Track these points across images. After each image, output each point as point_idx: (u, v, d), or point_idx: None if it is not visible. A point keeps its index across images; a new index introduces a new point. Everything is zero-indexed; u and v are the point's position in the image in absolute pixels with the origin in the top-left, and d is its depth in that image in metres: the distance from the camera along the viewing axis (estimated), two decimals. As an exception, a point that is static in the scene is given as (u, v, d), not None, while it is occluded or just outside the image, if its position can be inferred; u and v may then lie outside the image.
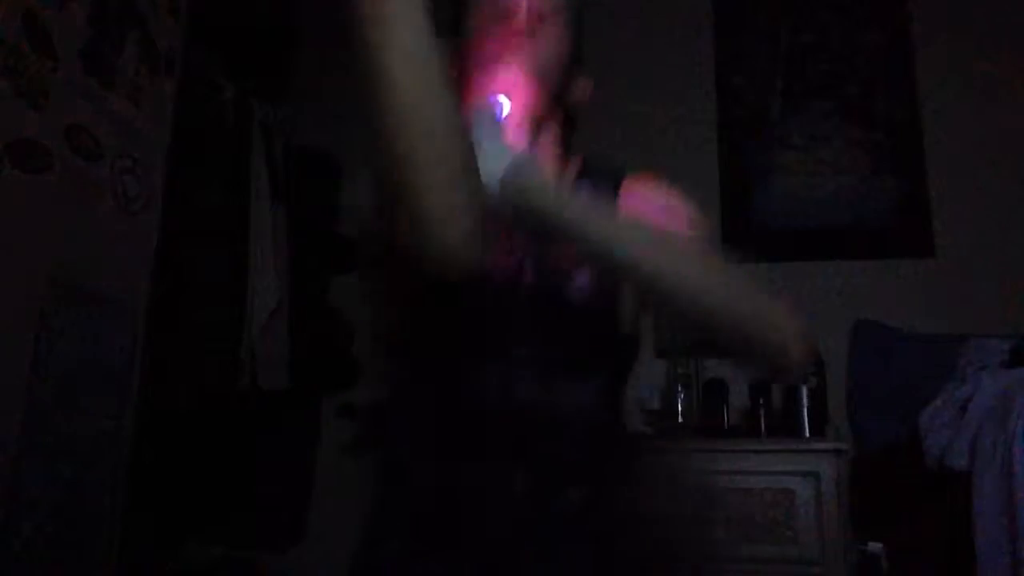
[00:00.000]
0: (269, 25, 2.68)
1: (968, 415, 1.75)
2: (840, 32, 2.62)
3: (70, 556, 1.49)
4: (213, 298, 2.16)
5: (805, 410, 2.03)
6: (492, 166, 0.74)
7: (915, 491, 1.88)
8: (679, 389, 2.23)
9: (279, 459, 2.52)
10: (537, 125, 0.90)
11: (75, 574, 1.51)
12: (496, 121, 0.79)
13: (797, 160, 2.56)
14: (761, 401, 2.10)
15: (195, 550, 2.33)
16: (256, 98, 2.35)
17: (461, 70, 0.91)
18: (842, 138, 2.54)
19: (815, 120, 2.57)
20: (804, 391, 2.05)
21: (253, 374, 2.21)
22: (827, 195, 2.51)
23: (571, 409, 0.83)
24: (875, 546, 1.89)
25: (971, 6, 2.54)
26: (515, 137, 0.80)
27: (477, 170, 0.73)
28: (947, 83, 2.50)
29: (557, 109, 0.97)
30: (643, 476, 0.90)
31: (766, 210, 2.54)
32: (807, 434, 2.01)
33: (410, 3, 0.69)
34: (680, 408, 2.22)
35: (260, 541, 2.45)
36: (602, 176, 1.03)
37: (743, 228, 2.54)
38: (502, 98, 0.81)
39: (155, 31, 1.75)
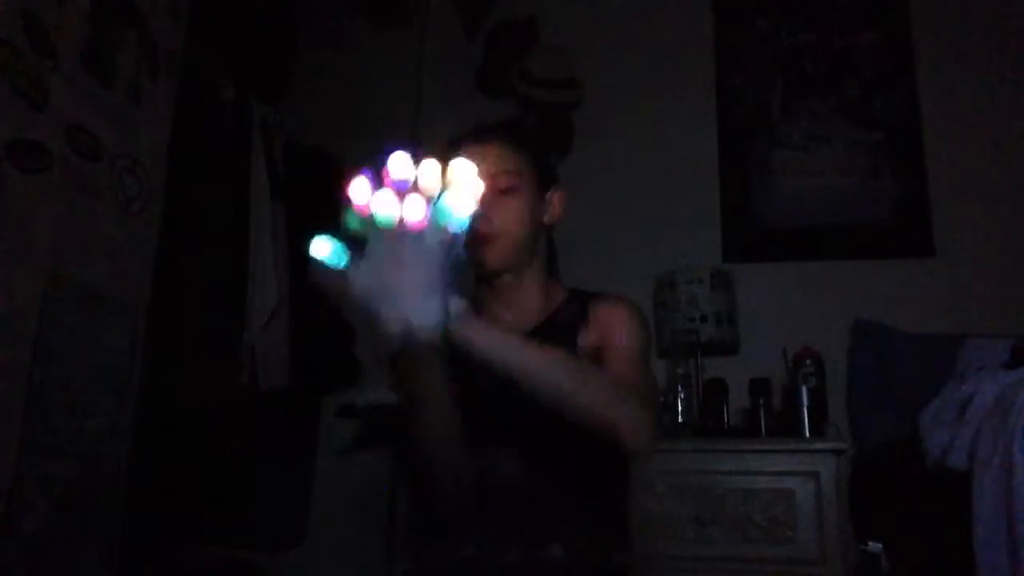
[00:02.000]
0: (269, 25, 2.68)
1: (968, 415, 1.75)
2: (840, 32, 2.62)
3: (70, 556, 1.49)
4: (213, 298, 2.15)
5: (805, 410, 2.03)
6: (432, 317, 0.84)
7: (915, 491, 1.88)
8: (679, 389, 2.23)
9: (279, 459, 2.52)
10: (519, 263, 1.20)
11: (75, 574, 1.51)
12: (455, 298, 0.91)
13: (797, 160, 2.56)
14: (761, 401, 2.10)
15: (195, 550, 2.33)
16: (256, 98, 2.35)
17: None
18: (842, 138, 2.54)
19: (815, 120, 2.57)
20: (804, 391, 2.05)
21: (253, 374, 2.21)
22: (827, 195, 2.52)
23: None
24: (875, 546, 1.89)
25: (971, 6, 2.54)
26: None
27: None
28: (947, 83, 2.50)
29: (536, 240, 1.22)
30: None
31: (766, 210, 2.54)
32: (807, 434, 2.01)
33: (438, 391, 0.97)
34: (680, 408, 2.22)
35: (260, 541, 2.45)
36: (579, 301, 1.23)
37: (743, 228, 2.54)
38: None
39: (155, 31, 1.75)
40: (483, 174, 1.08)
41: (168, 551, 2.17)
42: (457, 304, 0.87)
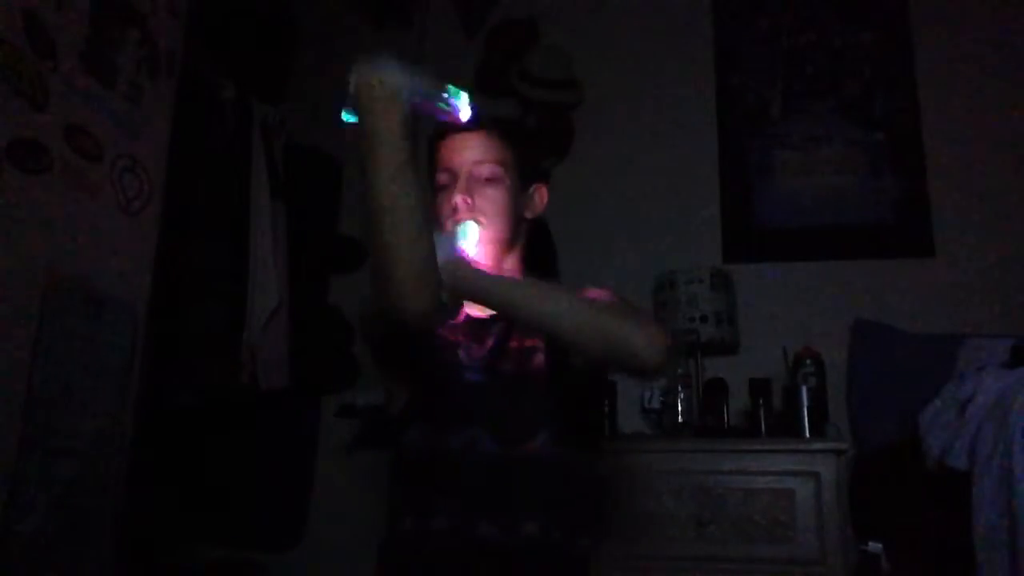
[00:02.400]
0: (269, 25, 2.68)
1: (968, 415, 1.75)
2: (840, 32, 2.62)
3: (70, 556, 1.49)
4: (213, 298, 2.16)
5: (805, 410, 2.03)
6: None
7: (915, 491, 1.88)
8: (679, 389, 2.23)
9: (279, 459, 2.52)
10: (502, 253, 1.22)
11: (75, 574, 1.51)
12: (452, 240, 1.09)
13: (797, 160, 2.56)
14: (761, 401, 2.10)
15: (195, 550, 2.33)
16: (256, 98, 2.35)
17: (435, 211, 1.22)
18: (842, 138, 2.54)
19: (815, 120, 2.57)
20: (804, 391, 2.05)
21: (253, 374, 2.21)
22: (827, 195, 2.51)
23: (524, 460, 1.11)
24: (875, 546, 1.89)
25: (971, 6, 2.54)
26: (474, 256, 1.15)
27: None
28: (947, 83, 2.50)
29: (516, 232, 1.23)
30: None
31: (766, 210, 2.54)
32: (807, 434, 2.01)
33: (393, 137, 1.00)
34: (680, 408, 2.22)
35: (260, 541, 2.45)
36: None
37: (743, 228, 2.54)
38: (466, 225, 1.14)
39: (155, 31, 1.75)
40: (467, 162, 1.19)
41: (168, 551, 2.17)
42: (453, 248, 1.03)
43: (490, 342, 1.18)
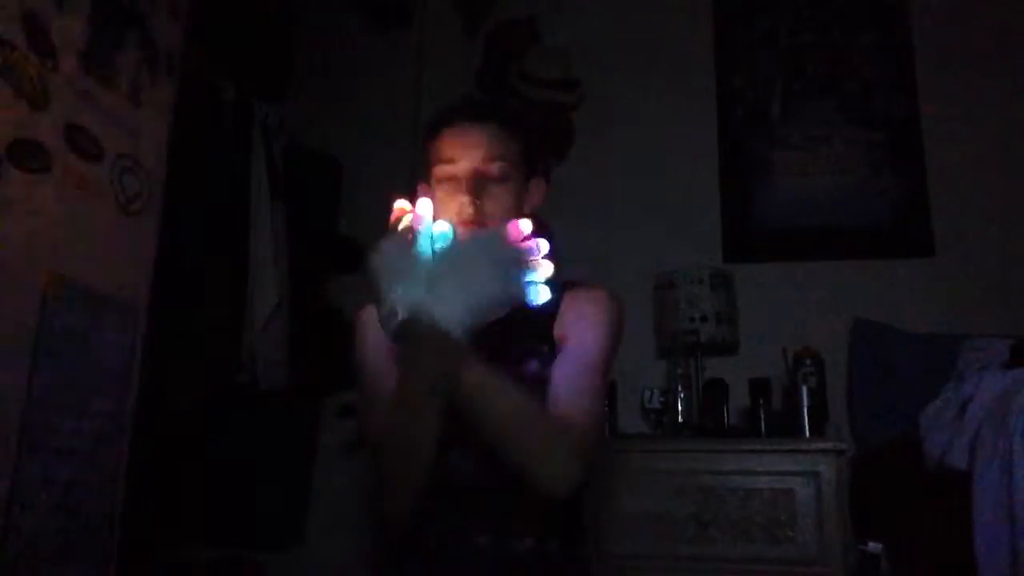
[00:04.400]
0: (269, 25, 2.68)
1: (968, 415, 1.75)
2: (840, 32, 2.62)
3: (70, 556, 1.49)
4: (213, 298, 2.16)
5: (805, 410, 2.03)
6: (404, 301, 0.96)
7: (915, 491, 1.88)
8: (679, 389, 2.23)
9: (279, 459, 2.52)
10: None
11: (75, 574, 1.50)
12: (414, 253, 0.98)
13: (797, 160, 2.56)
14: (761, 401, 2.10)
15: (195, 550, 2.33)
16: (256, 98, 2.35)
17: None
18: (842, 138, 2.54)
19: (815, 120, 2.57)
20: (804, 391, 2.05)
21: (253, 374, 2.21)
22: (827, 195, 2.51)
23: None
24: (875, 546, 1.89)
25: (971, 6, 2.54)
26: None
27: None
28: (947, 83, 2.50)
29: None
30: None
31: (766, 210, 2.54)
32: (807, 434, 2.01)
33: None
34: (680, 408, 2.22)
35: (260, 541, 2.44)
36: (552, 289, 1.13)
37: (743, 228, 2.54)
38: (440, 224, 1.01)
39: (155, 31, 1.75)
40: (476, 159, 1.12)
41: (168, 551, 2.17)
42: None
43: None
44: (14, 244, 1.38)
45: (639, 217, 2.57)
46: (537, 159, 1.23)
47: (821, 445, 1.93)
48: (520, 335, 1.13)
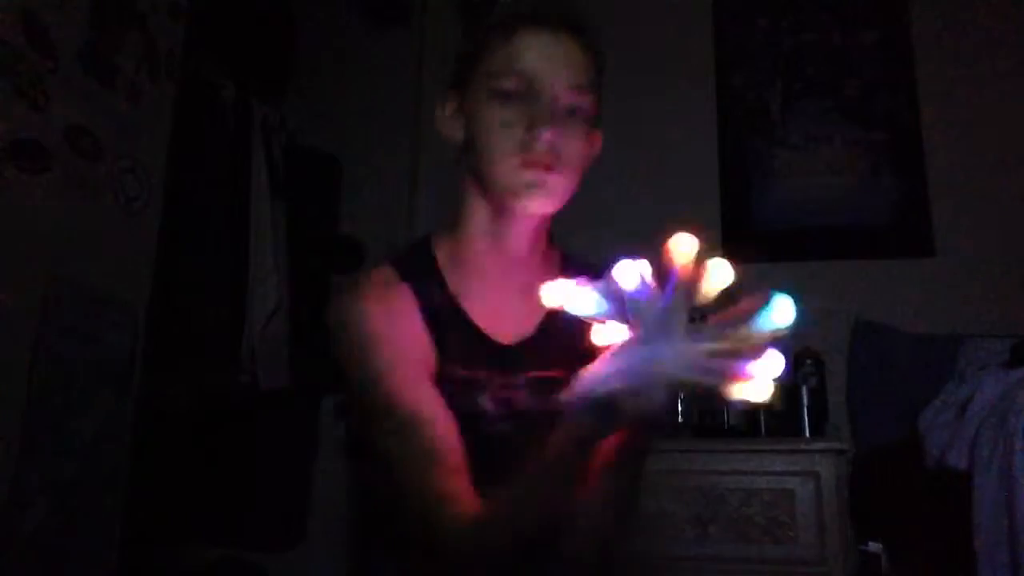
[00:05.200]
0: (269, 25, 2.68)
1: (968, 415, 1.75)
2: (840, 32, 2.62)
3: (70, 556, 1.49)
4: (213, 298, 2.15)
5: (805, 410, 2.03)
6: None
7: (915, 491, 1.88)
8: (679, 389, 2.23)
9: (279, 459, 2.52)
10: (539, 234, 0.96)
11: (75, 574, 1.50)
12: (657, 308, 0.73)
13: (797, 160, 2.56)
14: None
15: (195, 550, 2.33)
16: (256, 98, 2.35)
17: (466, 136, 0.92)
18: (842, 138, 2.54)
19: (815, 120, 2.57)
20: (804, 391, 2.05)
21: (253, 374, 2.21)
22: (827, 195, 2.51)
23: None
24: (875, 546, 1.89)
25: (971, 6, 2.54)
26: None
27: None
28: (947, 83, 2.50)
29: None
30: None
31: (766, 210, 2.54)
32: (807, 434, 2.01)
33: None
34: (680, 408, 2.22)
35: (260, 541, 2.44)
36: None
37: (743, 228, 2.54)
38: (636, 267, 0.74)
39: (155, 31, 1.74)
40: (569, 81, 0.88)
41: (168, 551, 2.17)
42: None
43: (518, 377, 0.92)
44: (14, 244, 1.38)
45: (639, 217, 2.57)
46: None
47: (821, 445, 1.93)
48: (553, 357, 0.90)
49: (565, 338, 0.86)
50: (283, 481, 2.52)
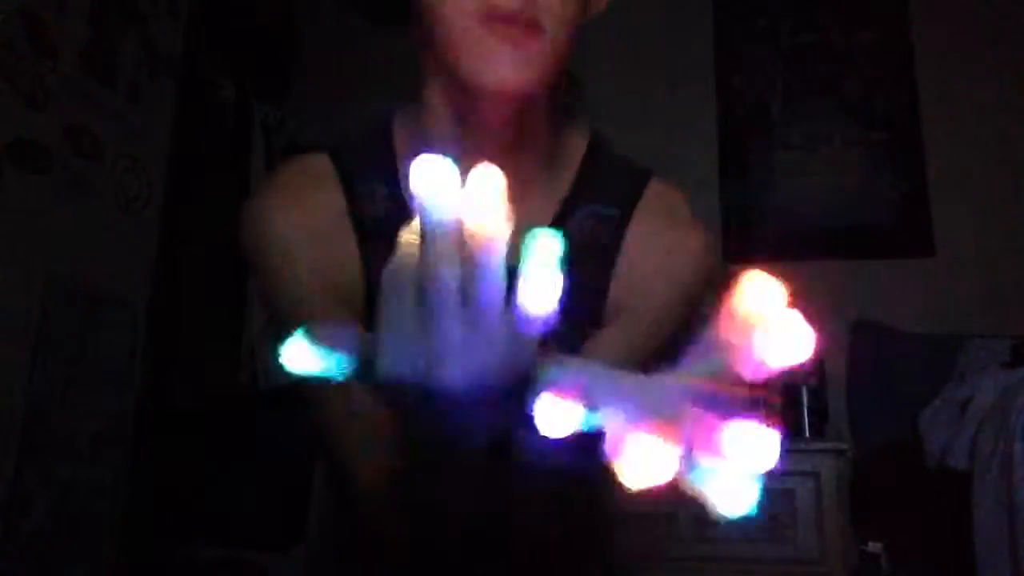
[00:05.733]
0: (269, 25, 2.68)
1: (968, 415, 1.75)
2: (840, 32, 2.62)
3: (70, 556, 1.49)
4: (213, 298, 2.16)
5: (805, 410, 2.03)
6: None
7: (915, 491, 1.88)
8: (679, 389, 2.23)
9: (279, 459, 2.52)
10: (524, 121, 0.67)
11: (75, 574, 1.50)
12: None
13: (797, 160, 2.56)
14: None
15: (195, 549, 2.33)
16: (256, 98, 2.35)
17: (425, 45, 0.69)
18: (842, 138, 2.54)
19: (815, 120, 2.57)
20: (804, 391, 2.05)
21: (253, 374, 2.21)
22: (827, 195, 2.51)
23: None
24: (875, 546, 1.89)
25: (971, 6, 2.54)
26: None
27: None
28: (947, 83, 2.50)
29: (571, 50, 0.66)
30: None
31: (766, 210, 2.54)
32: (807, 434, 2.01)
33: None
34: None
35: (260, 541, 2.44)
36: (610, 191, 0.73)
37: (743, 228, 2.54)
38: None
39: (155, 31, 1.75)
40: None
41: (168, 551, 2.17)
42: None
43: None
44: (14, 244, 1.38)
45: (639, 217, 2.57)
46: None
47: (821, 445, 1.93)
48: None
49: (576, 268, 0.53)
50: (283, 481, 2.52)
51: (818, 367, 2.17)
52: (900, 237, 2.44)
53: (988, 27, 2.50)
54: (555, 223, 0.69)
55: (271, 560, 2.43)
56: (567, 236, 0.42)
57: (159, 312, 1.77)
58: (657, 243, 0.71)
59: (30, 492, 1.40)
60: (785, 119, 2.59)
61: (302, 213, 0.67)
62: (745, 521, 1.97)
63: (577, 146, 0.75)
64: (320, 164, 0.71)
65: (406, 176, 0.55)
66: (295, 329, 0.41)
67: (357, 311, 0.67)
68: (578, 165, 0.73)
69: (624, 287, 0.69)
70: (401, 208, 0.68)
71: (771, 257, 2.49)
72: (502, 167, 0.41)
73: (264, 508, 2.47)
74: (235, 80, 2.28)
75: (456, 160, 0.37)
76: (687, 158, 2.61)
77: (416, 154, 0.40)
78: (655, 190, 0.77)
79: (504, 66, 0.60)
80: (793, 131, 2.58)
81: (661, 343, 0.69)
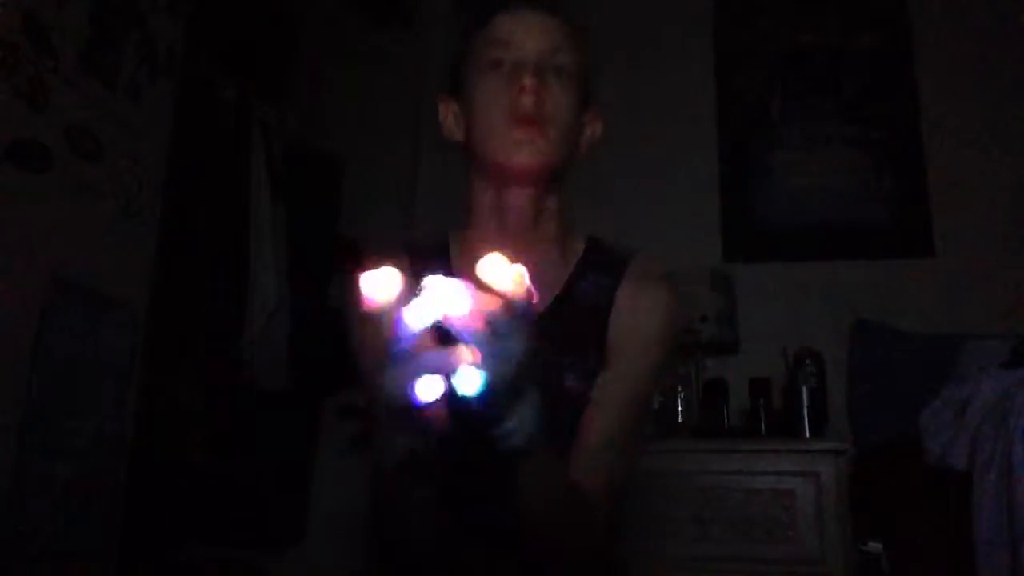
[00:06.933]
0: (269, 25, 2.68)
1: (968, 415, 1.75)
2: (840, 32, 2.62)
3: (70, 556, 1.49)
4: (213, 298, 2.16)
5: (805, 410, 2.03)
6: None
7: (915, 491, 1.88)
8: (679, 389, 2.23)
9: (279, 459, 2.52)
10: (553, 177, 0.94)
11: (75, 573, 1.51)
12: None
13: (797, 160, 2.56)
14: (761, 401, 2.10)
15: (195, 550, 2.33)
16: (256, 98, 2.35)
17: (465, 130, 0.95)
18: (842, 138, 2.54)
19: (815, 120, 2.57)
20: (804, 391, 2.05)
21: (253, 374, 2.21)
22: (827, 195, 2.51)
23: None
24: (875, 546, 1.89)
25: (971, 7, 2.54)
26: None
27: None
28: (947, 83, 2.50)
29: (571, 162, 0.96)
30: None
31: (766, 210, 2.54)
32: (807, 434, 2.01)
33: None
34: (680, 408, 2.22)
35: (260, 541, 2.44)
36: (604, 267, 0.98)
37: (743, 228, 2.54)
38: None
39: (155, 31, 1.75)
40: (543, 44, 0.91)
41: (168, 551, 2.17)
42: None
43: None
44: (14, 244, 1.38)
45: (639, 217, 2.57)
46: (591, 82, 1.01)
47: (821, 445, 1.93)
48: (568, 334, 0.91)
49: (580, 319, 0.93)
50: (283, 481, 2.52)
51: (818, 367, 2.17)
52: (900, 237, 2.44)
53: (988, 27, 2.50)
54: (564, 291, 0.95)
55: (271, 560, 2.43)
56: (574, 301, 0.88)
57: (159, 312, 1.77)
58: (638, 299, 0.94)
59: (30, 492, 1.40)
60: (785, 119, 2.59)
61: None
62: (745, 521, 1.93)
63: (580, 241, 1.01)
64: (400, 262, 0.87)
65: (453, 261, 0.95)
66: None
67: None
68: (581, 253, 0.99)
69: (617, 333, 0.93)
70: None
71: (771, 257, 2.49)
72: (524, 243, 0.80)
73: (264, 508, 2.47)
74: (235, 80, 2.28)
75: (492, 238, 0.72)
76: (687, 158, 2.61)
77: (464, 251, 0.87)
78: (638, 261, 0.98)
79: (523, 152, 0.89)
80: (793, 131, 2.58)
81: (650, 368, 0.93)
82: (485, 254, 0.74)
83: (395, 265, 0.82)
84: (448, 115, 1.00)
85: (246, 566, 2.38)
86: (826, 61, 2.60)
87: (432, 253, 0.99)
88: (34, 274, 1.42)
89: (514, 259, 0.78)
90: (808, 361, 2.16)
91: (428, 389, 0.52)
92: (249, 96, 2.33)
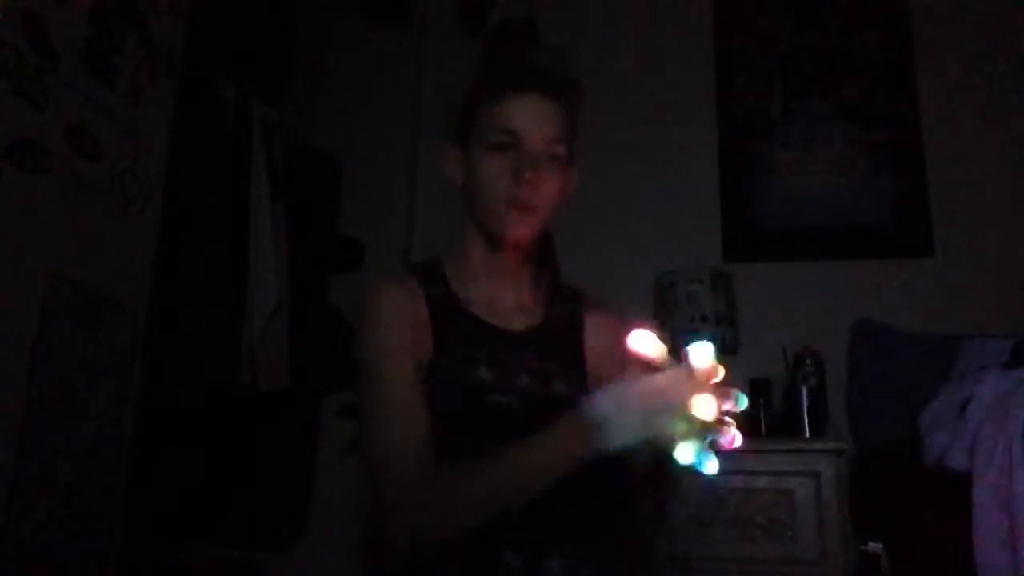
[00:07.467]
0: (269, 25, 2.68)
1: (968, 415, 1.75)
2: (840, 32, 2.62)
3: (70, 556, 1.49)
4: (213, 298, 2.15)
5: (805, 410, 2.03)
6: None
7: (915, 491, 1.88)
8: (679, 389, 2.22)
9: (279, 459, 2.52)
10: (524, 256, 1.15)
11: (75, 574, 1.50)
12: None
13: (797, 160, 2.56)
14: (761, 401, 2.10)
15: (195, 550, 2.33)
16: (256, 98, 2.35)
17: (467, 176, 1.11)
18: (842, 138, 2.54)
19: (815, 120, 2.57)
20: (804, 391, 2.05)
21: (253, 374, 2.21)
22: (827, 195, 2.51)
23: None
24: (875, 546, 1.89)
25: (971, 7, 2.54)
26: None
27: None
28: (947, 83, 2.50)
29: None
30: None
31: (766, 210, 2.54)
32: (807, 434, 2.01)
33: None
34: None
35: (260, 541, 2.45)
36: (567, 296, 1.21)
37: (743, 228, 2.54)
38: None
39: (155, 31, 1.74)
40: (547, 136, 1.07)
41: (168, 551, 2.17)
42: None
43: (516, 358, 1.08)
44: (14, 244, 1.38)
45: (639, 217, 2.57)
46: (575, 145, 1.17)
47: (821, 445, 1.93)
48: (549, 353, 1.11)
49: (560, 340, 1.14)
50: (283, 481, 2.52)
51: (818, 367, 2.17)
52: (900, 237, 2.44)
53: (988, 28, 2.50)
54: (545, 315, 1.16)
55: (271, 560, 2.43)
56: (555, 323, 1.17)
57: (159, 312, 1.76)
58: (599, 321, 1.18)
59: (30, 492, 1.40)
60: (785, 119, 2.59)
61: (395, 296, 1.09)
62: (745, 521, 1.93)
63: (546, 275, 1.21)
64: (402, 271, 1.20)
65: (451, 283, 1.14)
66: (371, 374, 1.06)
67: (421, 355, 1.06)
68: (549, 288, 1.21)
69: (592, 352, 1.16)
70: (450, 300, 1.12)
71: (771, 257, 2.49)
72: (514, 276, 1.16)
73: (264, 508, 2.48)
74: (235, 80, 2.28)
75: (485, 271, 1.15)
76: (687, 158, 2.61)
77: (456, 275, 1.16)
78: (590, 309, 1.20)
79: (517, 230, 1.08)
80: (793, 131, 2.58)
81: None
82: (481, 286, 1.14)
83: (406, 284, 1.10)
84: (450, 160, 1.14)
85: (246, 566, 2.39)
86: (826, 61, 2.60)
87: (432, 277, 1.13)
88: (34, 274, 1.42)
89: (503, 290, 1.15)
90: (808, 361, 2.16)
91: (711, 464, 0.79)
92: (249, 96, 2.33)
